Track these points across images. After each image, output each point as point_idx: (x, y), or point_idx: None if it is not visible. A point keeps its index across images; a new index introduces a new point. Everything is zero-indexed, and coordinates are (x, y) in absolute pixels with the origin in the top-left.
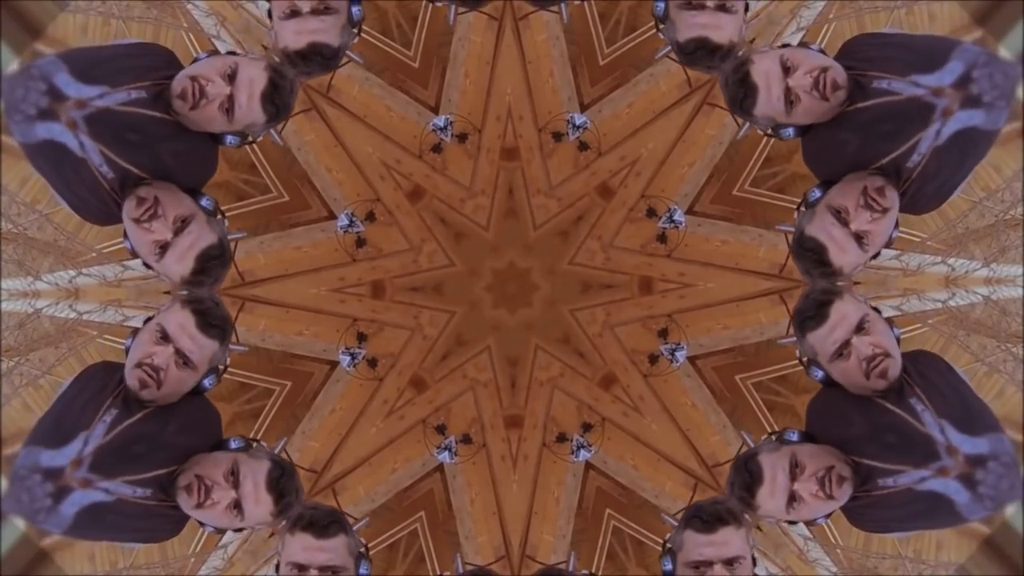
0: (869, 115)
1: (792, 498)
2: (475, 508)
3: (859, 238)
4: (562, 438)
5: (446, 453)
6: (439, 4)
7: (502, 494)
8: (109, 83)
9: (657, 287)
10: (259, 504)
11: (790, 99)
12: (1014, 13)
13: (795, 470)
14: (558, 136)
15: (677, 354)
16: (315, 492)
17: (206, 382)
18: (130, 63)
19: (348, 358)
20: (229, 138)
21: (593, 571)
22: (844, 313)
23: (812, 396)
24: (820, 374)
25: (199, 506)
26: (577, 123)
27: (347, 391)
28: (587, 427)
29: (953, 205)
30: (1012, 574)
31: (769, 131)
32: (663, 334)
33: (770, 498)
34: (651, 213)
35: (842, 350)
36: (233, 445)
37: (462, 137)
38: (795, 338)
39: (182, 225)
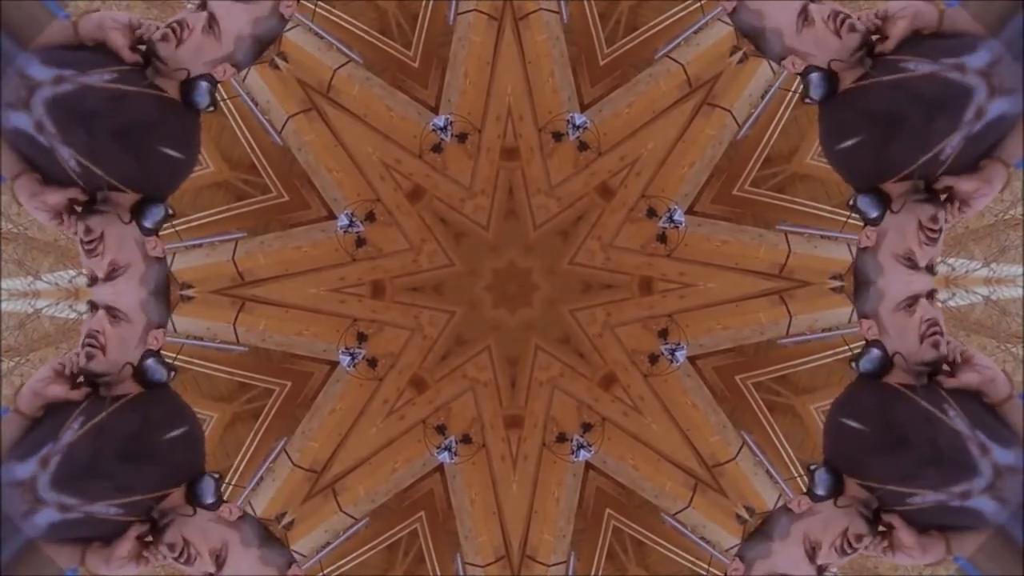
0: (887, 89)
1: (821, 569)
2: (475, 508)
3: (929, 269)
4: (562, 438)
5: (446, 453)
6: None
7: (502, 494)
8: (79, 67)
9: (657, 287)
10: None
11: (805, 16)
12: (1014, 13)
13: (813, 551)
14: (558, 136)
15: (677, 354)
16: (315, 492)
17: (154, 365)
18: (96, 48)
19: (348, 358)
20: (203, 86)
21: (593, 571)
22: (924, 280)
23: (825, 411)
24: (876, 353)
25: (176, 560)
26: (577, 123)
27: (347, 391)
28: (587, 427)
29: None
30: (1012, 574)
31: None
32: (663, 334)
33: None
34: (651, 213)
35: (912, 302)
36: (209, 498)
37: (462, 137)
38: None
39: (113, 272)
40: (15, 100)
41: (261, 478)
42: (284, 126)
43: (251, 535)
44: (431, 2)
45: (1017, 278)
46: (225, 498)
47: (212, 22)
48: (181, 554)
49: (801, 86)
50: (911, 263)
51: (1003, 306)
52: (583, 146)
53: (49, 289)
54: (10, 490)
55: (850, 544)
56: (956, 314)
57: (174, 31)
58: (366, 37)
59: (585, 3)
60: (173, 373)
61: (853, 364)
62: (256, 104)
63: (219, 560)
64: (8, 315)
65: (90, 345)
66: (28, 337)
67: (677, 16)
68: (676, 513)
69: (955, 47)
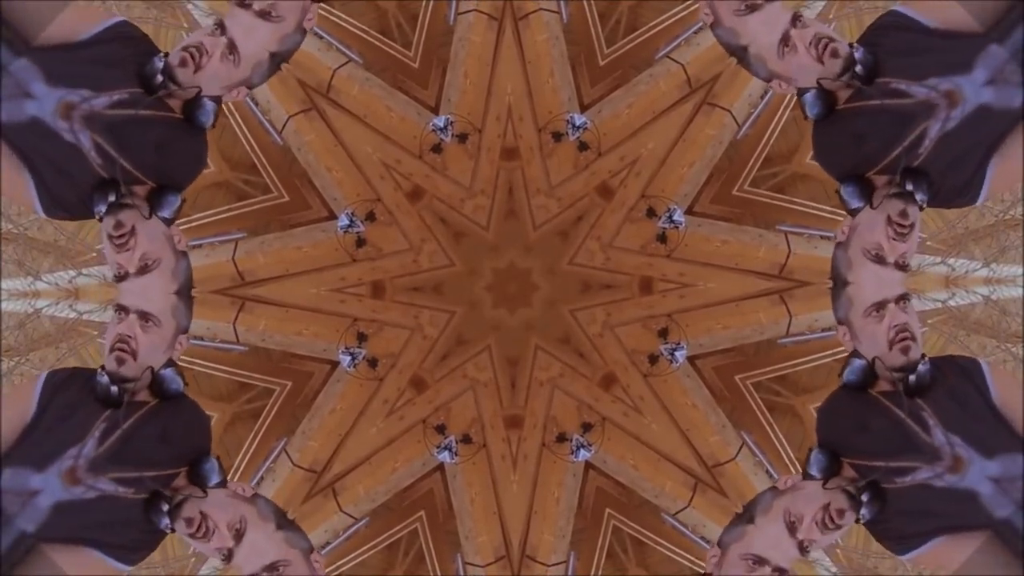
0: (879, 115)
1: (802, 546)
2: (475, 508)
3: (899, 266)
4: (562, 438)
5: (446, 453)
6: None
7: (502, 494)
8: (91, 84)
9: (657, 287)
10: (248, 563)
11: (786, 43)
12: (1014, 13)
13: (793, 525)
14: (558, 136)
15: (677, 354)
16: (315, 492)
17: (171, 375)
18: (108, 52)
19: (348, 358)
20: (209, 107)
21: (593, 571)
22: (894, 278)
23: (820, 402)
24: (859, 363)
25: (193, 537)
26: (577, 123)
27: (347, 391)
28: (587, 427)
29: None
30: (1012, 574)
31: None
32: (663, 334)
33: (784, 557)
34: (651, 213)
35: (880, 308)
36: (215, 478)
37: (462, 137)
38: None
39: (146, 267)
40: (20, 93)
41: (261, 478)
42: (284, 126)
43: (267, 510)
44: (431, 2)
45: (1017, 278)
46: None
47: (232, 49)
48: (198, 529)
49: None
50: (878, 258)
51: (1003, 306)
52: (583, 146)
53: (49, 289)
54: (16, 496)
55: (832, 519)
56: (956, 314)
57: (192, 56)
58: (366, 37)
59: (585, 3)
60: (186, 385)
61: (840, 375)
62: (256, 104)
63: (238, 533)
64: (8, 315)
65: (120, 350)
66: (28, 337)
67: (677, 16)
68: (676, 513)
69: (948, 60)
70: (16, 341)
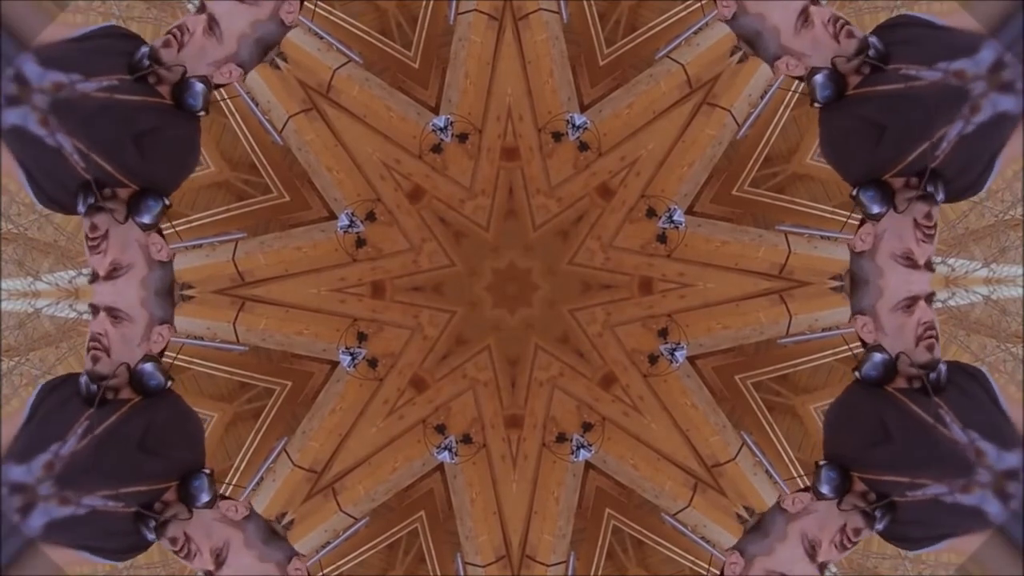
0: (889, 99)
1: (822, 568)
2: (475, 508)
3: (928, 266)
4: (562, 438)
5: (446, 453)
6: None
7: (502, 494)
8: (82, 70)
9: (657, 287)
10: None
11: (804, 17)
12: (1014, 13)
13: (813, 550)
14: (558, 136)
15: (677, 354)
16: (315, 492)
17: (150, 371)
18: (100, 45)
19: (348, 358)
20: (197, 88)
21: (593, 571)
22: (923, 278)
23: (824, 403)
24: (880, 358)
25: (176, 555)
26: (577, 123)
27: (347, 391)
28: (587, 427)
29: (953, 205)
30: (1012, 574)
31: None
32: (663, 334)
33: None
34: (651, 213)
35: (911, 303)
36: (204, 497)
37: (462, 137)
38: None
39: (114, 272)
40: (10, 97)
41: (261, 478)
42: (284, 126)
43: (255, 536)
44: (431, 2)
45: (1017, 278)
46: (227, 495)
47: (212, 23)
48: (181, 549)
49: (800, 86)
50: (911, 262)
51: (1003, 306)
52: (583, 146)
53: (49, 289)
54: (8, 492)
55: (849, 539)
56: (956, 314)
57: (175, 36)
58: (366, 37)
59: (585, 3)
60: (170, 381)
61: (856, 372)
62: (256, 104)
63: (219, 559)
64: (8, 315)
65: (94, 348)
66: (28, 337)
67: (677, 16)
68: (676, 513)
69: (954, 46)
70: (16, 341)
